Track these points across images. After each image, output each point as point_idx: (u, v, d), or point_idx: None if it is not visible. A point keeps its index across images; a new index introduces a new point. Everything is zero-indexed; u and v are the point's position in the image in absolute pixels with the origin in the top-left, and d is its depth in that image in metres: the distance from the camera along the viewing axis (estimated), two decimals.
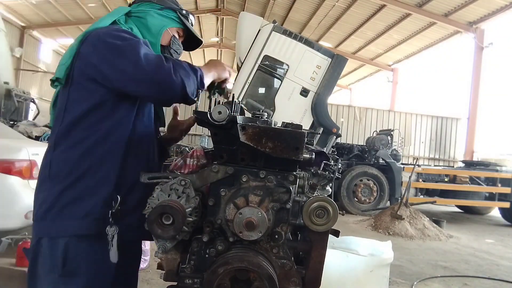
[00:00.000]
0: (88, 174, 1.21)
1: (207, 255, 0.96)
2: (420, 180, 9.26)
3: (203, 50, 24.45)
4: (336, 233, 1.08)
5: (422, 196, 9.27)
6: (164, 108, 1.63)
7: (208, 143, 11.83)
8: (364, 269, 1.22)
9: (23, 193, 3.31)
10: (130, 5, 1.51)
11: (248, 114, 1.17)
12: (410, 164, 9.84)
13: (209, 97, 1.39)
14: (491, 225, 9.35)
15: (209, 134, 1.03)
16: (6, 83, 7.41)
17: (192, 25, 1.58)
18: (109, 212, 1.17)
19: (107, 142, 1.23)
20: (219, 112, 0.94)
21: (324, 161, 1.20)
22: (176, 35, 1.52)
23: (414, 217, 7.27)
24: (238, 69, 7.59)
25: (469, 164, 10.72)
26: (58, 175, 1.22)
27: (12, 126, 5.74)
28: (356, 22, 15.64)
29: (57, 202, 1.20)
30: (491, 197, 9.48)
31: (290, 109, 7.16)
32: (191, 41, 1.63)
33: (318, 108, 7.33)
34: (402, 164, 9.90)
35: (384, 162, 9.39)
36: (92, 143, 1.22)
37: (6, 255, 3.53)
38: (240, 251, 0.94)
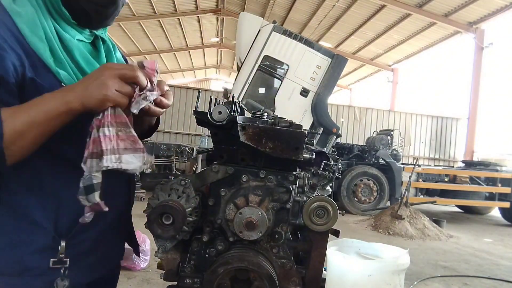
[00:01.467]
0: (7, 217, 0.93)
1: (207, 255, 0.96)
2: (420, 180, 9.26)
3: (203, 50, 24.46)
4: (336, 233, 1.08)
5: (422, 196, 9.28)
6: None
7: (208, 143, 11.84)
8: (382, 274, 1.22)
9: None
10: None
11: (248, 114, 1.17)
12: (410, 164, 9.84)
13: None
14: (491, 225, 9.36)
15: (209, 134, 1.03)
16: None
17: None
18: (50, 261, 0.94)
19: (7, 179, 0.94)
20: (219, 112, 0.95)
21: (324, 161, 1.20)
22: None
23: (414, 217, 7.27)
24: (238, 69, 7.60)
25: (469, 164, 10.72)
26: None
27: None
28: (356, 22, 15.65)
29: None
30: (491, 197, 9.49)
31: (290, 109, 7.17)
32: None
33: (318, 108, 7.34)
34: (402, 164, 9.92)
35: (384, 162, 9.39)
36: None
37: None
38: (240, 251, 0.94)
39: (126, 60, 1.28)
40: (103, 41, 1.13)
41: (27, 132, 0.82)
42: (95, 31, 1.09)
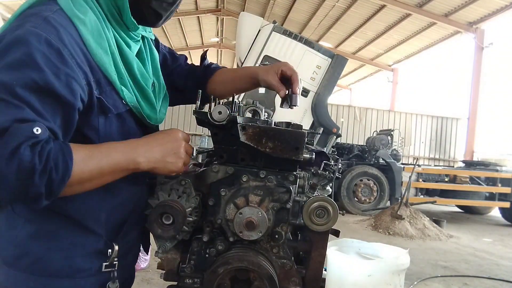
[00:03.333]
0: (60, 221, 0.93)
1: (207, 255, 0.97)
2: (420, 180, 9.26)
3: (203, 50, 24.44)
4: (336, 233, 1.08)
5: (422, 196, 9.27)
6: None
7: (208, 143, 11.84)
8: (382, 274, 1.22)
9: None
10: None
11: (248, 114, 1.17)
12: (410, 164, 9.84)
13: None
14: (491, 225, 9.35)
15: (209, 134, 1.03)
16: None
17: None
18: (102, 265, 0.95)
19: None
20: (219, 112, 0.95)
21: (324, 161, 1.20)
22: None
23: (414, 217, 7.27)
24: None
25: (469, 164, 10.72)
26: (30, 210, 0.91)
27: None
28: (356, 22, 15.65)
29: (29, 250, 0.90)
30: (491, 197, 9.48)
31: (290, 109, 7.17)
32: None
33: (318, 108, 7.34)
34: (402, 164, 9.91)
35: (384, 162, 9.39)
36: None
37: None
38: (240, 251, 0.94)
39: (158, 43, 1.27)
40: (143, 37, 1.09)
41: (91, 180, 0.81)
42: (143, 33, 1.05)
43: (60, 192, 0.76)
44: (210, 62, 1.35)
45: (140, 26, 0.99)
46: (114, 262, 0.97)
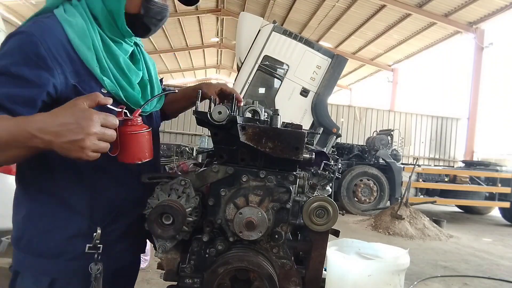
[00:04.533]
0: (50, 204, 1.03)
1: (207, 255, 0.96)
2: (420, 180, 9.26)
3: (203, 50, 24.45)
4: (336, 233, 1.08)
5: (422, 196, 9.28)
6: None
7: (208, 143, 11.84)
8: (382, 274, 1.21)
9: None
10: None
11: (248, 114, 1.17)
12: (410, 164, 9.84)
13: None
14: (491, 225, 9.36)
15: (209, 134, 1.03)
16: None
17: None
18: (86, 247, 1.02)
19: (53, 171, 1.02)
20: (219, 112, 0.95)
21: (324, 161, 1.20)
22: None
23: (414, 217, 7.27)
24: (238, 69, 7.60)
25: (469, 164, 10.72)
26: (24, 194, 1.06)
27: None
28: (356, 22, 15.65)
29: (24, 232, 1.03)
30: (491, 197, 9.49)
31: (290, 109, 7.17)
32: None
33: (318, 108, 7.33)
34: (402, 164, 9.91)
35: (384, 162, 9.39)
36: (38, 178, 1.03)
37: (6, 255, 3.54)
38: (240, 251, 0.94)
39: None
40: (139, 46, 1.25)
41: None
42: (135, 40, 1.20)
43: None
44: (164, 87, 1.41)
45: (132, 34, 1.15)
46: (98, 245, 1.02)
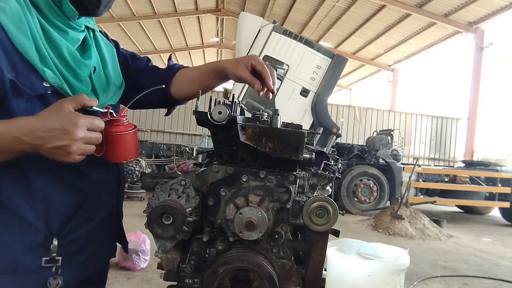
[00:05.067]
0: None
1: (207, 255, 0.96)
2: (420, 180, 9.26)
3: (203, 50, 24.45)
4: (336, 233, 1.08)
5: (422, 196, 9.28)
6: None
7: (208, 143, 11.84)
8: (382, 274, 1.21)
9: None
10: None
11: (248, 114, 1.17)
12: (410, 164, 9.84)
13: None
14: (491, 225, 9.36)
15: (209, 134, 1.03)
16: None
17: None
18: (42, 260, 0.94)
19: None
20: (219, 112, 0.95)
21: (324, 161, 1.20)
22: None
23: (414, 217, 7.27)
24: None
25: (469, 164, 10.72)
26: None
27: None
28: (356, 22, 15.64)
29: None
30: (491, 197, 9.49)
31: (290, 109, 7.18)
32: None
33: (318, 108, 7.34)
34: (402, 164, 9.91)
35: (384, 162, 9.39)
36: None
37: None
38: (240, 251, 0.94)
39: (118, 45, 1.25)
40: (93, 31, 1.10)
41: None
42: (87, 24, 1.06)
43: None
44: (175, 63, 1.31)
45: (83, 17, 1.02)
46: (57, 258, 0.95)
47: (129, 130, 0.96)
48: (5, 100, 0.86)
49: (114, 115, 0.94)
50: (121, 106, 1.02)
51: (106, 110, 0.92)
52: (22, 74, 0.88)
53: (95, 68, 1.05)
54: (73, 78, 0.96)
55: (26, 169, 0.92)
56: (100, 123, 0.86)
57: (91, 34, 1.09)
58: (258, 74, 1.13)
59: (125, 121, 0.96)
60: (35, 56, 0.89)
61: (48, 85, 0.92)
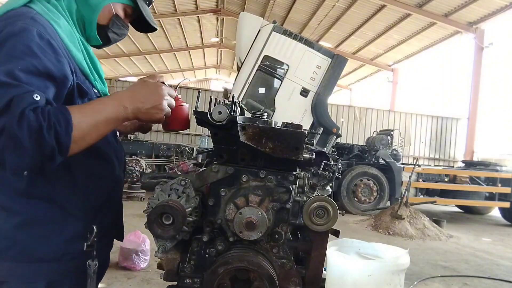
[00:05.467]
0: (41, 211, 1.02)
1: (207, 255, 0.97)
2: (420, 180, 9.26)
3: (203, 50, 24.45)
4: (336, 233, 1.08)
5: (422, 196, 9.27)
6: None
7: (208, 143, 11.84)
8: (382, 274, 1.22)
9: None
10: None
11: (248, 114, 1.17)
12: (410, 164, 9.84)
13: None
14: (491, 225, 9.35)
15: (209, 134, 1.03)
16: None
17: (149, 4, 1.27)
18: (84, 246, 1.04)
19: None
20: (219, 112, 0.95)
21: (324, 161, 1.20)
22: (121, 14, 1.19)
23: (414, 217, 7.27)
24: (238, 69, 7.60)
25: (469, 164, 10.72)
26: (15, 201, 1.00)
27: None
28: (356, 22, 15.64)
29: (15, 240, 0.99)
30: (491, 197, 9.48)
31: (290, 109, 7.17)
32: (145, 23, 1.28)
33: (318, 108, 7.33)
34: (402, 164, 9.91)
35: (384, 162, 9.39)
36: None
37: None
38: (240, 251, 0.94)
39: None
40: None
41: (91, 134, 0.92)
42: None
43: (69, 145, 0.87)
44: None
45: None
46: (94, 244, 1.06)
47: (186, 104, 1.17)
48: (72, 98, 1.01)
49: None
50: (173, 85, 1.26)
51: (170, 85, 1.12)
52: (81, 80, 1.05)
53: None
54: (103, 86, 1.19)
55: (72, 168, 1.04)
56: (173, 91, 1.07)
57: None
58: None
59: (180, 97, 1.16)
60: (87, 67, 1.08)
61: (96, 91, 1.13)
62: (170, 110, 1.06)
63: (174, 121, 1.14)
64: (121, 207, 1.29)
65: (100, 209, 1.12)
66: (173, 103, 1.08)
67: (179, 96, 1.16)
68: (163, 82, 1.12)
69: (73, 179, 1.05)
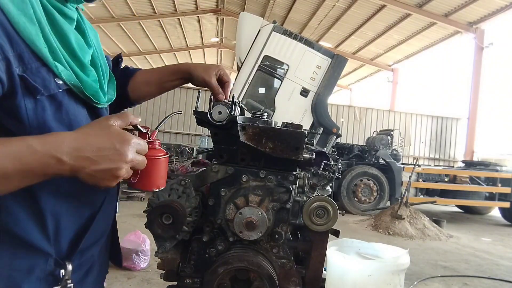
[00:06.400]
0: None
1: (207, 255, 0.96)
2: (420, 180, 9.26)
3: (203, 50, 24.46)
4: (336, 233, 1.08)
5: (422, 196, 9.28)
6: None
7: (208, 143, 11.84)
8: (382, 274, 1.22)
9: None
10: None
11: (248, 114, 1.17)
12: (410, 164, 9.84)
13: None
14: (491, 225, 9.36)
15: (209, 134, 1.03)
16: None
17: None
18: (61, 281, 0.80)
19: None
20: (219, 112, 0.95)
21: (324, 161, 1.20)
22: None
23: (414, 217, 7.27)
24: (238, 69, 7.60)
25: (469, 164, 10.72)
26: None
27: None
28: (356, 22, 15.65)
29: None
30: (491, 197, 9.49)
31: (290, 109, 7.18)
32: None
33: (318, 108, 7.34)
34: (402, 164, 9.92)
35: (384, 162, 9.40)
36: None
37: None
38: (240, 251, 0.94)
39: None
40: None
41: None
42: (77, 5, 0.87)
43: None
44: (126, 66, 1.20)
45: None
46: (69, 285, 0.81)
47: (165, 155, 0.85)
48: (12, 100, 0.69)
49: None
50: (149, 129, 0.85)
51: (145, 130, 0.81)
52: (31, 69, 0.70)
53: (92, 57, 0.91)
54: (81, 72, 0.81)
55: (33, 188, 0.72)
56: (145, 145, 0.74)
57: (80, 15, 0.90)
58: (222, 84, 1.14)
59: (157, 144, 0.84)
60: (44, 46, 0.72)
61: (61, 83, 0.75)
62: (133, 171, 0.73)
63: (143, 180, 0.80)
64: (115, 233, 1.05)
65: (80, 238, 0.84)
66: (144, 161, 0.74)
67: (156, 143, 0.84)
68: (137, 127, 0.80)
69: (34, 202, 0.76)
